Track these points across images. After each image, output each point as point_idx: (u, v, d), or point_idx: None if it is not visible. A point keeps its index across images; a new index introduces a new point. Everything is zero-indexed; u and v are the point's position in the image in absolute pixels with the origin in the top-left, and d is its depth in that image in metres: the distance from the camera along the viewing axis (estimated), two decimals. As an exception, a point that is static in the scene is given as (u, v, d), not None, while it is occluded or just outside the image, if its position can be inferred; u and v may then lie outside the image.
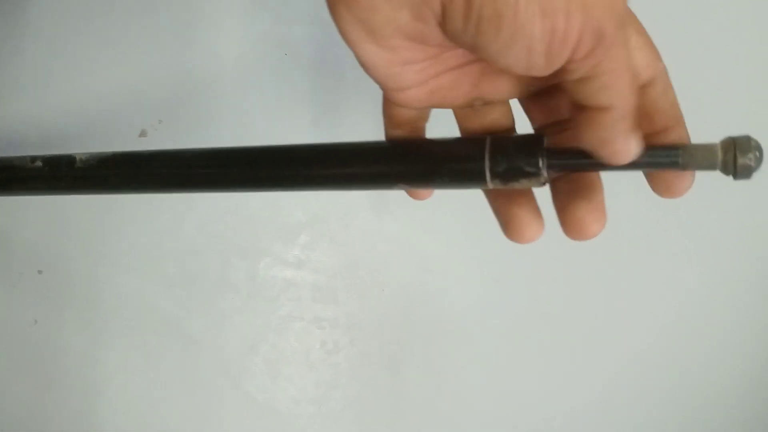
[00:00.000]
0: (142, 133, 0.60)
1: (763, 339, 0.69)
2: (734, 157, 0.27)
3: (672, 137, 0.31)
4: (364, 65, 0.28)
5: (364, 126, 0.64)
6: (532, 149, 0.30)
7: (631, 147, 0.28)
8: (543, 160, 0.30)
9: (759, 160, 0.27)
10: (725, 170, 0.28)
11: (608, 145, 0.27)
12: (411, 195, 0.37)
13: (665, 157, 0.29)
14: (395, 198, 0.65)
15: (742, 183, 0.28)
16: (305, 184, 0.35)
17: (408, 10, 0.25)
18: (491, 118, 0.33)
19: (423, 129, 0.35)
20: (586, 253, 0.65)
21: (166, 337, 0.63)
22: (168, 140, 0.61)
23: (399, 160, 0.33)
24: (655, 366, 0.69)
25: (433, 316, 0.67)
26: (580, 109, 0.27)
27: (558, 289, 0.67)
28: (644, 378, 0.69)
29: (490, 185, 0.31)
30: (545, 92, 0.32)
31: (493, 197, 0.34)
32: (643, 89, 0.30)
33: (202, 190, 0.37)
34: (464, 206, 0.64)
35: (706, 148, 0.28)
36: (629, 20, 0.29)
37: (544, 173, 0.30)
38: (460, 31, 0.25)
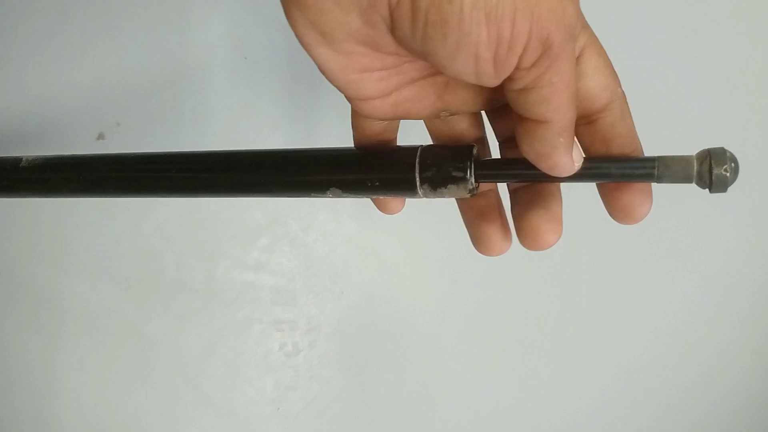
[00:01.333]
0: (100, 136, 0.61)
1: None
2: (710, 168, 0.27)
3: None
4: (322, 70, 0.28)
5: (325, 129, 0.65)
6: (461, 156, 0.31)
7: (568, 161, 0.28)
8: (471, 167, 0.30)
9: (735, 172, 0.27)
10: (700, 182, 0.28)
11: (547, 158, 0.28)
12: (380, 209, 0.37)
13: (640, 168, 0.28)
14: (354, 200, 0.65)
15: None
16: (236, 190, 0.35)
17: (357, 14, 0.25)
18: (460, 128, 0.34)
19: (393, 141, 0.35)
20: (541, 256, 0.66)
21: (123, 338, 0.63)
22: (126, 143, 0.61)
23: (332, 168, 0.33)
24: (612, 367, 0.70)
25: (392, 317, 0.67)
26: (520, 119, 0.28)
27: (516, 290, 0.68)
28: (604, 380, 0.71)
29: (420, 191, 0.32)
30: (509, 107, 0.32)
31: (464, 211, 0.35)
32: (600, 113, 0.30)
33: (144, 194, 0.38)
34: (423, 209, 0.65)
35: (682, 160, 0.28)
36: (589, 41, 0.29)
37: (472, 180, 0.31)
38: (408, 37, 0.25)
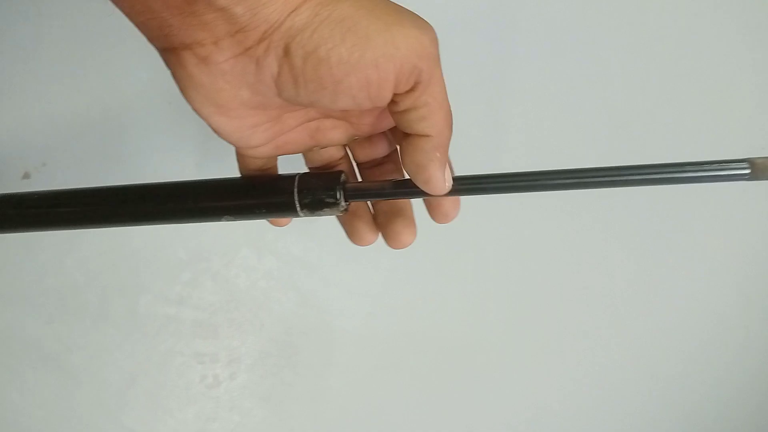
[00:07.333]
0: (25, 176, 0.63)
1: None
2: None
3: None
4: (218, 133, 0.33)
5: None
6: (331, 184, 0.35)
7: (440, 176, 0.33)
8: (341, 193, 0.35)
9: None
10: None
11: (424, 170, 0.33)
12: (272, 223, 0.42)
13: (735, 169, 0.32)
14: (275, 236, 0.69)
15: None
16: (139, 219, 0.38)
17: (246, 88, 0.30)
18: (328, 155, 0.40)
19: (274, 168, 0.40)
20: (455, 286, 0.71)
21: (44, 372, 0.64)
22: (51, 182, 0.63)
23: (224, 196, 0.37)
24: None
25: (311, 349, 0.70)
26: (405, 136, 0.33)
27: (429, 321, 0.72)
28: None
29: (301, 215, 0.36)
30: (365, 138, 0.39)
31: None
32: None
33: (55, 227, 0.41)
34: (341, 244, 0.68)
35: None
36: None
37: (343, 203, 0.35)
38: (294, 96, 0.30)
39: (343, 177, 0.36)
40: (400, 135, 0.36)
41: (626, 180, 0.33)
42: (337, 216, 0.40)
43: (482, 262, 0.72)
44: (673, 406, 0.77)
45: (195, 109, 0.31)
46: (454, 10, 0.69)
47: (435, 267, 0.71)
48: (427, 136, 0.32)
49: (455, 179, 0.34)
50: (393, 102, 0.31)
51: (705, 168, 0.33)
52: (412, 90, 0.30)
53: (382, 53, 0.28)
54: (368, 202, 0.40)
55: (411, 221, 0.39)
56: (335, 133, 0.37)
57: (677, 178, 0.33)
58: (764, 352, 0.77)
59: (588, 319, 0.74)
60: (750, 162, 0.32)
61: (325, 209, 0.35)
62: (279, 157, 0.39)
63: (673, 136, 0.72)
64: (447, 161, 0.33)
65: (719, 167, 0.33)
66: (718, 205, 0.74)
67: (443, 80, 0.31)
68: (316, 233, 0.69)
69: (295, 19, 0.28)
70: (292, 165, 0.39)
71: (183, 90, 0.31)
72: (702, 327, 0.76)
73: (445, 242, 0.70)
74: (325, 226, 0.40)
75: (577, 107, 0.71)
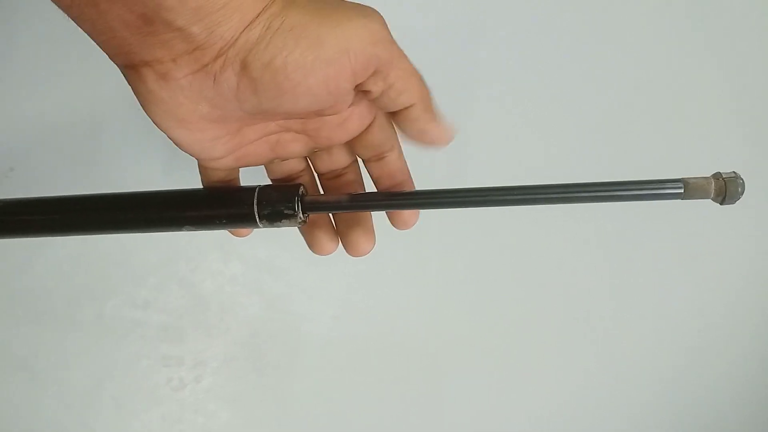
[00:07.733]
0: (-7, 180, 0.64)
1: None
2: (724, 189, 0.34)
3: (407, 187, 0.40)
4: (179, 146, 0.34)
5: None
6: (289, 197, 0.37)
7: (442, 130, 0.35)
8: (299, 205, 0.37)
9: (741, 193, 0.34)
10: (716, 199, 0.34)
11: (426, 135, 0.35)
12: (232, 233, 0.43)
13: (670, 189, 0.35)
14: (241, 241, 0.70)
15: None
16: (100, 228, 0.40)
17: (205, 102, 0.31)
18: (289, 167, 0.41)
19: (236, 179, 0.41)
20: (421, 289, 0.72)
21: (12, 375, 0.65)
22: (19, 187, 0.64)
23: (185, 207, 0.38)
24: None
25: (277, 352, 0.72)
26: (394, 116, 0.35)
27: (394, 324, 0.74)
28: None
29: (260, 225, 0.37)
30: (325, 150, 0.40)
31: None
32: (387, 153, 0.39)
33: (26, 235, 0.41)
34: (307, 249, 0.69)
35: (702, 182, 0.34)
36: (379, 111, 0.37)
37: (301, 215, 0.37)
38: (255, 105, 0.32)
39: (301, 190, 0.37)
40: (361, 145, 0.38)
41: (571, 197, 0.36)
42: (299, 227, 0.41)
43: (447, 265, 0.74)
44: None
45: (156, 123, 0.32)
46: (422, 17, 0.71)
47: (401, 270, 0.72)
48: (412, 105, 0.34)
49: (409, 194, 0.36)
50: (367, 92, 0.33)
51: (643, 187, 0.35)
52: (377, 73, 0.32)
53: (335, 50, 0.30)
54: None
55: (369, 230, 0.40)
56: (295, 145, 0.38)
57: (618, 196, 0.35)
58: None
59: (551, 321, 0.77)
60: (684, 182, 0.35)
61: (284, 221, 0.37)
62: (244, 168, 0.41)
63: (636, 143, 0.75)
64: (438, 116, 0.35)
65: (656, 187, 0.35)
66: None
67: (401, 51, 0.33)
68: (281, 238, 0.71)
69: (249, 34, 0.29)
70: (255, 177, 0.41)
71: (144, 105, 0.32)
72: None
73: (411, 246, 0.71)
74: (291, 231, 0.42)
75: (542, 118, 0.74)
